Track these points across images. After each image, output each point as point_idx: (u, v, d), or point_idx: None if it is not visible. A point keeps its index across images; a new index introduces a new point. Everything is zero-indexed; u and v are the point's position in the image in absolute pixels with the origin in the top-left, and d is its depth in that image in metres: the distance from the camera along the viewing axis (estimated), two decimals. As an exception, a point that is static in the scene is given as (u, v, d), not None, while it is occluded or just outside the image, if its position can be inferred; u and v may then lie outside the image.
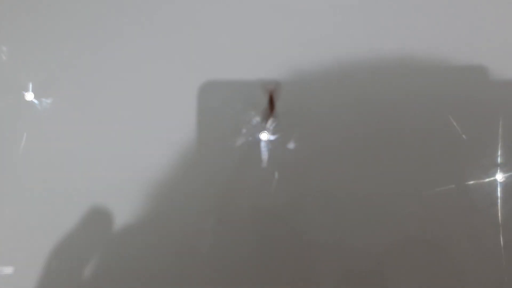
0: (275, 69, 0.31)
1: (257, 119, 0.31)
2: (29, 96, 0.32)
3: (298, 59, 0.31)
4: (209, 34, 0.32)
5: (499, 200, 0.30)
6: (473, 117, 0.31)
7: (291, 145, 0.31)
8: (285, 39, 0.31)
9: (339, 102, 0.31)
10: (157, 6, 0.32)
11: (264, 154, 0.30)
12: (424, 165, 0.30)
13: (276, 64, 0.31)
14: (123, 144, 0.31)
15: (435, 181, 0.30)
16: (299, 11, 0.32)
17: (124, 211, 0.31)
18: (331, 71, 0.31)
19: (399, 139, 0.31)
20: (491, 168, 0.30)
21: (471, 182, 0.30)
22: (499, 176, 0.30)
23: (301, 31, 0.31)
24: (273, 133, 0.31)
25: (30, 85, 0.32)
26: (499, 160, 0.30)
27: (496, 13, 0.31)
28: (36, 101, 0.32)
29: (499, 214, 0.30)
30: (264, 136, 0.30)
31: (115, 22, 0.32)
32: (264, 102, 0.31)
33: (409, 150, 0.31)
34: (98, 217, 0.31)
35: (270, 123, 0.30)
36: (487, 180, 0.30)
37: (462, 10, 0.31)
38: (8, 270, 0.31)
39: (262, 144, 0.31)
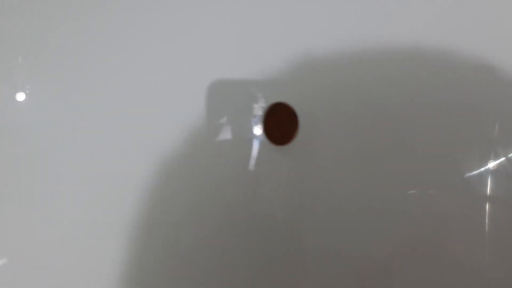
0: (278, 68, 0.31)
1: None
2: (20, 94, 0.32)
3: (301, 57, 0.31)
4: (213, 35, 0.32)
5: (501, 200, 0.30)
6: (474, 117, 0.31)
7: (293, 149, 0.31)
8: (290, 38, 0.31)
9: (341, 105, 0.31)
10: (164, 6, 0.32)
11: (263, 157, 0.31)
12: (427, 166, 0.30)
13: (280, 63, 0.31)
14: (124, 144, 0.31)
15: (438, 182, 0.30)
16: (303, 9, 0.32)
17: (123, 210, 0.31)
18: (333, 69, 0.31)
19: (401, 141, 0.31)
20: (492, 168, 0.30)
21: (473, 182, 0.30)
22: (501, 175, 0.30)
23: (305, 29, 0.32)
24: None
25: (30, 80, 0.32)
26: (499, 160, 0.30)
27: (499, 10, 0.31)
28: (34, 96, 0.32)
29: (501, 213, 0.30)
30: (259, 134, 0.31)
31: (122, 23, 0.32)
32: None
33: (411, 151, 0.31)
34: (97, 217, 0.31)
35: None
36: (489, 178, 0.30)
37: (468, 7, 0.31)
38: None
39: (258, 148, 0.31)
